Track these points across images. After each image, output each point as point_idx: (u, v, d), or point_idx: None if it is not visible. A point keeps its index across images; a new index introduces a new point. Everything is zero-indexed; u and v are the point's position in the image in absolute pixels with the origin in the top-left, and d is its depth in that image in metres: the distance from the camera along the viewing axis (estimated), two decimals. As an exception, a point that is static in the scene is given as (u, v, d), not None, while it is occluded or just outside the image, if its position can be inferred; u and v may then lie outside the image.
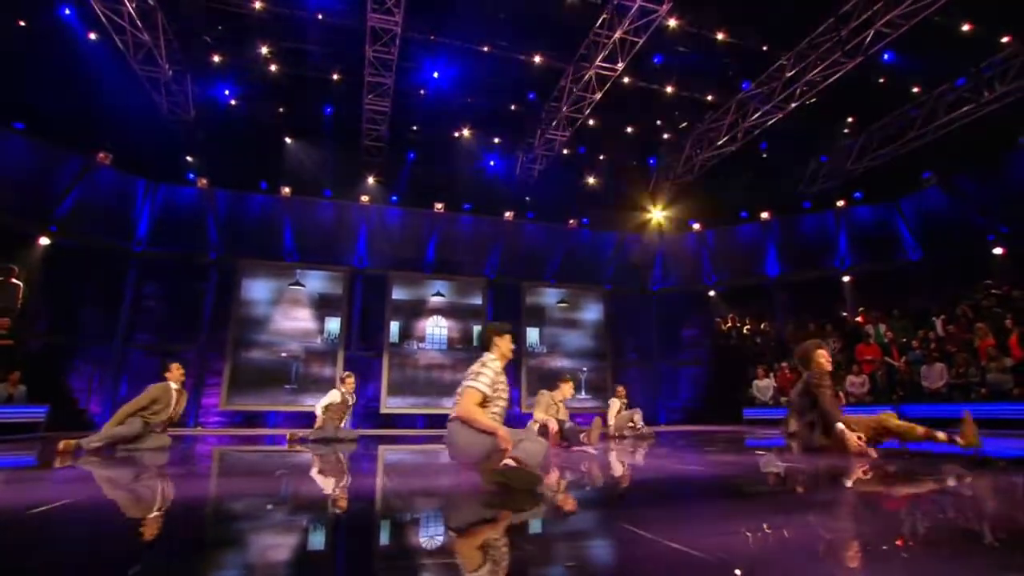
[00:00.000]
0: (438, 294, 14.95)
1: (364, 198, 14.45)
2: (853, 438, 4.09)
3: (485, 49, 11.79)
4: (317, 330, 13.90)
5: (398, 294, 14.71)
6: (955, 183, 13.03)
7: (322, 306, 14.09)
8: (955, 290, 12.19)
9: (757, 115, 12.50)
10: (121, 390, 12.37)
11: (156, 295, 13.25)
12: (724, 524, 2.16)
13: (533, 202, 15.81)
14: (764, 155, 15.03)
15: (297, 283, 13.97)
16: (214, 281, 13.53)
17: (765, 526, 2.02)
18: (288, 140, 14.26)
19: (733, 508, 2.63)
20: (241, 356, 13.17)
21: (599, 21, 10.61)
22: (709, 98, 13.41)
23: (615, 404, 8.53)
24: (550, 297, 16.00)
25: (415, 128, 14.56)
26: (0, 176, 10.75)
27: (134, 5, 9.78)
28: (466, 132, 14.67)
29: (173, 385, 5.63)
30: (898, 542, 1.79)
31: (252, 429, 12.17)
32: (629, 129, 14.83)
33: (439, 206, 14.78)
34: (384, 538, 2.06)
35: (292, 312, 13.84)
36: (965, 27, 10.66)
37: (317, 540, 2.03)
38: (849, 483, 3.28)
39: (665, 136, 15.32)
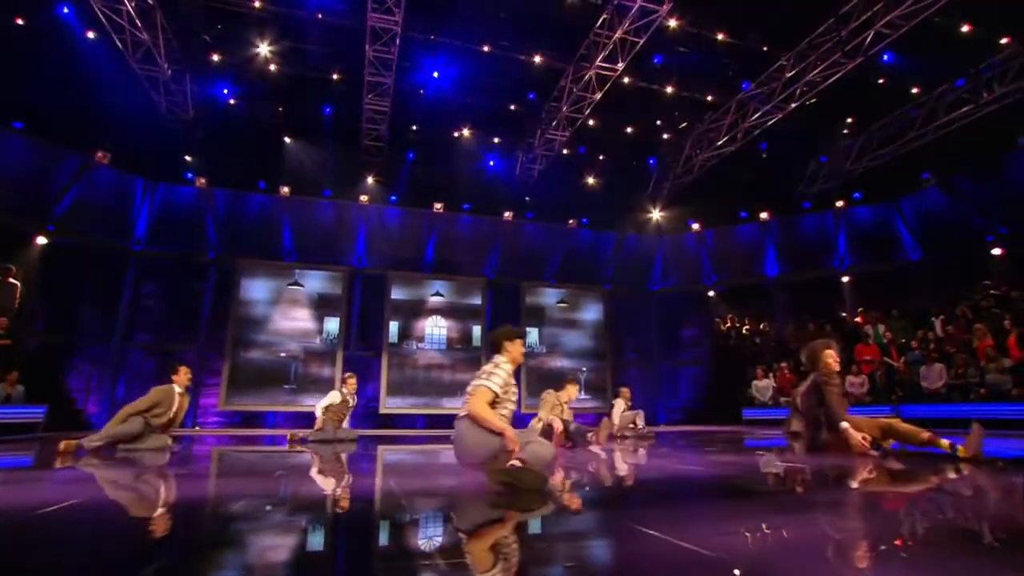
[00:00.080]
0: (437, 294, 14.93)
1: (363, 198, 14.42)
2: (857, 437, 4.09)
3: (485, 49, 11.78)
4: (316, 330, 13.87)
5: (397, 294, 14.69)
6: (954, 184, 13.06)
7: (321, 306, 14.06)
8: (954, 291, 12.21)
9: (757, 115, 12.51)
10: (119, 390, 12.34)
11: (155, 295, 13.22)
12: (731, 524, 2.16)
13: (533, 202, 15.79)
14: (764, 155, 15.04)
15: (296, 283, 13.94)
16: (213, 281, 13.50)
17: (769, 525, 2.02)
18: (287, 140, 14.22)
19: (739, 508, 2.62)
20: (240, 356, 13.14)
21: (599, 21, 10.60)
22: (709, 98, 13.41)
23: (620, 404, 8.61)
24: (550, 297, 15.99)
25: (415, 128, 14.54)
26: (-2, 175, 10.73)
27: (133, 4, 9.76)
28: (466, 132, 14.65)
29: (177, 389, 5.61)
30: (898, 542, 1.79)
31: (251, 429, 12.14)
32: (629, 129, 14.83)
33: (438, 206, 14.77)
34: (398, 538, 2.05)
35: (291, 312, 13.81)
36: (965, 28, 10.68)
37: (330, 541, 2.02)
38: (850, 483, 3.28)
39: (665, 136, 15.31)
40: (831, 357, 4.54)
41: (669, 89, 13.06)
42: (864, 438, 4.09)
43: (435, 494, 3.15)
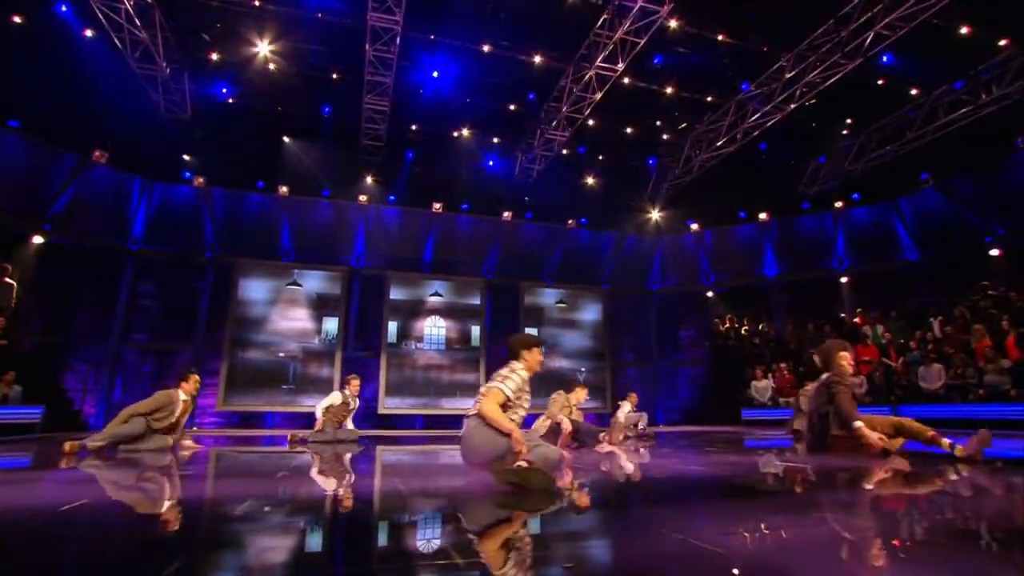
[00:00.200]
0: (436, 294, 14.90)
1: (362, 198, 14.39)
2: (873, 436, 4.11)
3: (485, 49, 11.75)
4: (315, 330, 13.83)
5: (396, 294, 14.66)
6: (953, 185, 13.10)
7: (320, 306, 14.03)
8: (953, 291, 12.25)
9: (756, 116, 12.53)
10: (116, 390, 12.29)
11: (152, 294, 13.16)
12: (740, 523, 2.16)
13: (532, 202, 15.78)
14: (763, 156, 15.06)
15: (294, 283, 13.90)
16: (210, 280, 13.45)
17: (778, 525, 2.02)
18: (286, 139, 14.17)
19: (747, 507, 2.61)
20: (238, 356, 13.09)
21: (600, 21, 10.60)
22: (709, 99, 13.42)
23: (626, 406, 8.74)
24: (548, 297, 15.99)
25: (414, 127, 14.50)
26: (-6, 174, 10.66)
27: (132, 2, 9.70)
28: (465, 132, 14.63)
29: (182, 395, 5.58)
30: (896, 542, 1.78)
31: (249, 430, 12.08)
32: (628, 129, 14.82)
33: (437, 206, 14.74)
34: (410, 538, 2.03)
35: (289, 312, 13.77)
36: (964, 30, 10.71)
37: (341, 540, 2.01)
38: (854, 483, 3.28)
39: (664, 136, 15.32)
40: (845, 359, 4.56)
41: (669, 89, 13.06)
42: (880, 437, 4.11)
43: (443, 495, 3.14)
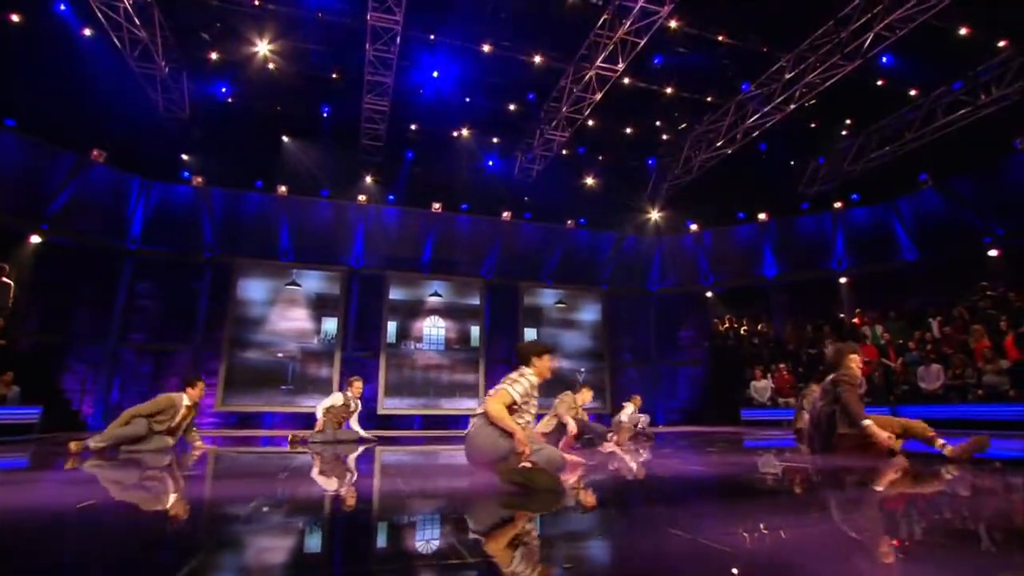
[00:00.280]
0: (435, 294, 14.88)
1: (361, 197, 14.36)
2: (882, 434, 4.15)
3: (485, 49, 11.73)
4: (314, 330, 13.80)
5: (395, 294, 14.63)
6: (952, 185, 13.13)
7: (319, 306, 13.99)
8: (951, 292, 12.27)
9: (756, 116, 12.54)
10: (114, 390, 12.25)
11: (150, 294, 13.11)
12: (743, 522, 2.16)
13: (531, 202, 15.77)
14: (763, 156, 15.08)
15: (293, 283, 13.87)
16: (209, 280, 13.41)
17: (780, 524, 2.02)
18: (285, 139, 14.14)
19: (751, 507, 2.61)
20: (237, 356, 13.05)
21: (600, 21, 10.59)
22: (709, 99, 13.43)
23: (629, 407, 8.81)
24: (548, 298, 15.98)
25: (414, 127, 14.49)
26: (-8, 173, 10.62)
27: (131, 1, 9.67)
28: (465, 132, 14.62)
29: (186, 401, 5.57)
30: (895, 541, 1.78)
31: (248, 430, 12.04)
32: (628, 129, 14.83)
33: (437, 206, 14.73)
34: (420, 538, 2.02)
35: (288, 312, 13.74)
36: (963, 31, 10.74)
37: (350, 540, 2.00)
38: (860, 482, 3.29)
39: (664, 137, 15.32)
40: (855, 361, 4.64)
41: (669, 90, 13.07)
42: (889, 436, 4.15)
43: (450, 496, 3.14)
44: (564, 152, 14.75)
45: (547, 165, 14.81)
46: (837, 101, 12.65)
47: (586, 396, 6.65)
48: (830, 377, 4.62)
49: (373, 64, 11.14)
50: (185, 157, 13.34)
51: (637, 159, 16.30)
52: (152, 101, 12.03)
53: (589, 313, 16.24)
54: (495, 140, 15.11)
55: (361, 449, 6.34)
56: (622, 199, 16.08)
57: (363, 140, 13.65)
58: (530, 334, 15.40)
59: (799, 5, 10.60)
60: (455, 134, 14.65)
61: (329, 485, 3.65)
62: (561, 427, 6.01)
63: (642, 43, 10.51)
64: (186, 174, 13.30)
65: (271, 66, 12.08)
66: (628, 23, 10.11)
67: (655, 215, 16.39)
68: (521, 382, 3.34)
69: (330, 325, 13.91)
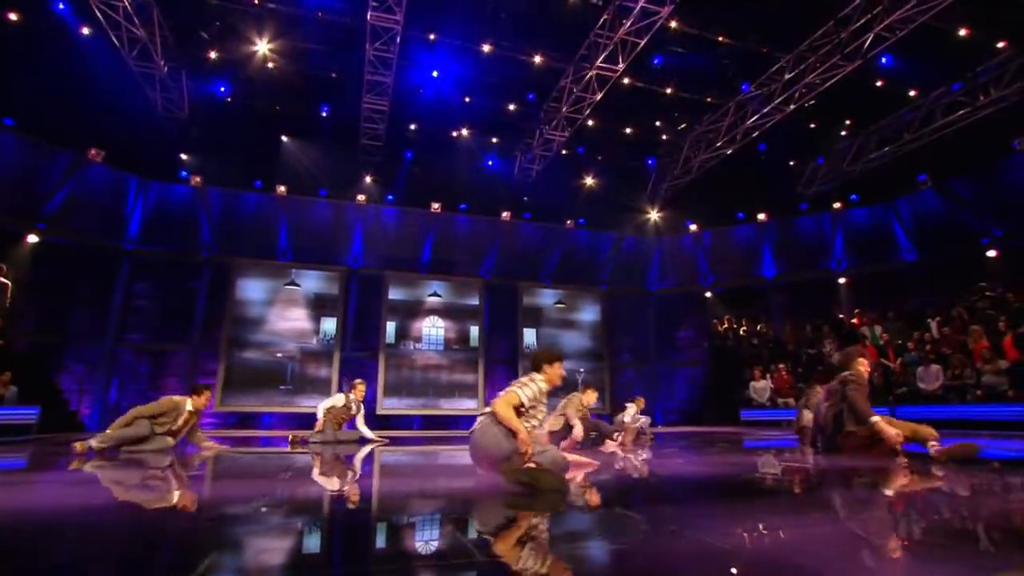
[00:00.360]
0: (435, 294, 14.85)
1: (360, 197, 14.33)
2: (891, 431, 4.21)
3: (485, 49, 11.73)
4: (312, 330, 13.76)
5: (394, 294, 14.60)
6: (951, 186, 13.16)
7: (317, 306, 13.95)
8: (950, 292, 12.29)
9: (756, 117, 12.55)
10: (111, 390, 12.20)
11: (148, 294, 13.06)
12: (741, 522, 2.16)
13: (531, 202, 15.77)
14: (762, 156, 15.10)
15: (292, 283, 13.83)
16: (207, 280, 13.36)
17: (778, 524, 2.01)
18: (284, 138, 14.10)
19: (762, 507, 2.60)
20: (235, 356, 13.00)
21: (600, 22, 10.59)
22: (708, 99, 13.44)
23: (632, 408, 8.84)
24: (547, 298, 15.96)
25: (413, 127, 14.48)
26: (-11, 172, 10.56)
27: (130, 0, 9.62)
28: (464, 132, 14.60)
29: (189, 406, 5.56)
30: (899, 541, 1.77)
31: (246, 431, 12.00)
32: (628, 130, 14.84)
33: (436, 206, 14.71)
34: (427, 538, 2.01)
35: (287, 312, 13.70)
36: (962, 32, 10.77)
37: (357, 538, 1.99)
38: (861, 481, 3.29)
39: (664, 137, 15.33)
40: (863, 364, 4.73)
41: (668, 90, 13.08)
42: (897, 433, 4.21)
43: (456, 496, 3.13)
44: (564, 152, 14.75)
45: (547, 165, 14.81)
46: (837, 101, 12.69)
47: (591, 397, 6.65)
48: (838, 377, 4.66)
49: (373, 64, 11.11)
50: (184, 156, 13.30)
51: (637, 159, 16.31)
52: (151, 100, 11.98)
53: (588, 313, 16.23)
54: (494, 140, 15.11)
55: (363, 450, 6.32)
56: (622, 199, 16.08)
57: (362, 140, 13.62)
58: (529, 334, 15.39)
59: (799, 6, 10.62)
60: (455, 134, 14.64)
61: (333, 485, 3.64)
62: (568, 427, 5.99)
63: (642, 43, 10.51)
64: (184, 173, 13.25)
65: (270, 65, 12.05)
66: (628, 23, 10.10)
67: (654, 215, 16.39)
68: (531, 386, 3.39)
69: (329, 325, 13.88)
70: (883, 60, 11.71)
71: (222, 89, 12.89)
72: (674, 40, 11.61)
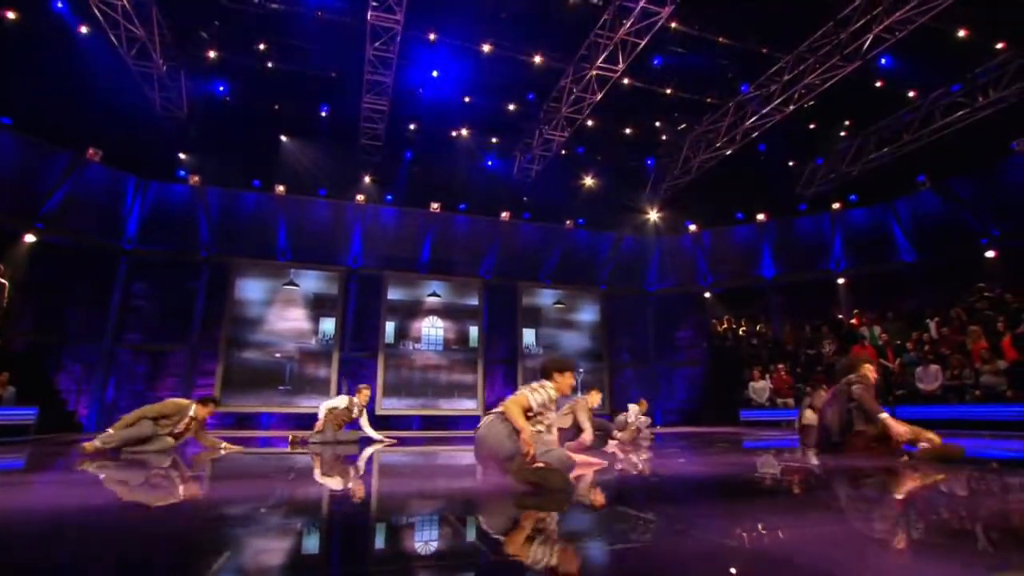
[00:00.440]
0: (434, 294, 14.84)
1: (360, 197, 14.30)
2: (899, 427, 4.24)
3: (485, 49, 11.71)
4: (311, 330, 13.73)
5: (393, 294, 14.58)
6: (949, 187, 13.18)
7: (316, 306, 13.92)
8: (949, 293, 12.31)
9: (755, 117, 12.56)
10: (109, 390, 12.15)
11: (146, 294, 13.02)
12: (741, 521, 2.15)
13: (530, 202, 15.75)
14: (761, 157, 15.12)
15: (291, 283, 13.80)
16: (206, 280, 13.31)
17: (775, 523, 2.01)
18: (284, 138, 14.06)
19: (759, 506, 2.60)
20: (234, 356, 12.97)
21: (600, 22, 10.58)
22: (708, 100, 13.45)
23: (635, 409, 8.87)
24: (546, 298, 15.95)
25: (413, 127, 14.45)
26: (-15, 171, 10.51)
27: (129, -2, 9.60)
28: (464, 132, 14.59)
29: (191, 412, 5.56)
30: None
31: (245, 431, 11.97)
32: (627, 130, 14.84)
33: (435, 206, 14.68)
34: (436, 536, 2.00)
35: (286, 312, 13.66)
36: (961, 33, 10.80)
37: (363, 536, 1.98)
38: (868, 481, 3.30)
39: (663, 137, 15.34)
40: (870, 371, 4.78)
41: (668, 90, 13.08)
42: (905, 431, 4.25)
43: (466, 496, 3.14)
44: (563, 152, 14.74)
45: (546, 165, 14.80)
46: (836, 102, 12.70)
47: (595, 399, 6.68)
48: (845, 379, 4.68)
49: (373, 63, 11.09)
50: (182, 156, 13.25)
51: (636, 159, 16.31)
52: (149, 100, 11.93)
53: (588, 313, 16.23)
54: (494, 140, 15.09)
55: (364, 450, 6.31)
56: (621, 199, 16.07)
57: (362, 140, 13.60)
58: (528, 334, 15.39)
59: (799, 6, 10.63)
60: (454, 134, 14.62)
61: (338, 485, 3.65)
62: (576, 427, 5.99)
63: (642, 44, 10.50)
64: (183, 173, 13.21)
65: (270, 65, 12.01)
66: (628, 23, 10.10)
67: (654, 215, 16.39)
68: (541, 392, 3.48)
69: (328, 325, 13.85)
70: (882, 61, 11.73)
71: (221, 88, 12.85)
72: (674, 40, 11.61)
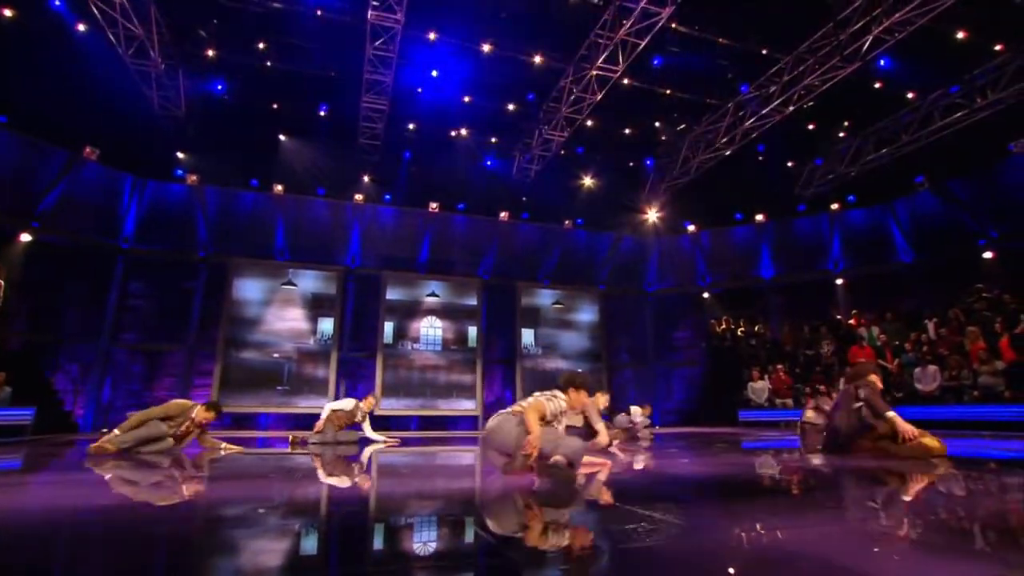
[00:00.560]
0: (432, 294, 14.81)
1: (358, 197, 14.26)
2: (906, 427, 4.33)
3: (485, 49, 11.70)
4: (310, 330, 13.68)
5: (392, 294, 14.54)
6: (948, 187, 13.22)
7: (315, 306, 13.88)
8: (947, 293, 12.33)
9: (754, 118, 12.57)
10: (105, 389, 12.08)
11: (143, 293, 12.95)
12: (741, 521, 2.13)
13: (529, 202, 15.74)
14: (760, 157, 15.14)
15: (289, 282, 13.75)
16: (203, 280, 13.26)
17: (773, 524, 2.00)
18: (282, 137, 14.02)
19: (762, 507, 2.59)
20: (232, 356, 12.91)
21: (600, 22, 10.58)
22: (707, 100, 13.46)
23: (636, 410, 8.91)
24: (545, 298, 15.94)
25: (412, 127, 14.43)
26: (-18, 170, 10.45)
27: (127, -4, 9.56)
28: (463, 132, 14.57)
29: (193, 414, 5.53)
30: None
31: (243, 431, 11.91)
32: (627, 130, 14.85)
33: (434, 206, 14.66)
34: (437, 534, 1.98)
35: (284, 312, 13.61)
36: (960, 35, 10.83)
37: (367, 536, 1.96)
38: (857, 481, 3.29)
39: (663, 137, 15.35)
40: (877, 380, 4.86)
41: (668, 91, 13.10)
42: (912, 430, 4.34)
43: (465, 496, 3.13)
44: (563, 152, 14.74)
45: (545, 165, 14.79)
46: (835, 103, 12.74)
47: (603, 400, 6.69)
48: (853, 383, 4.72)
49: (372, 63, 11.07)
50: (180, 155, 13.21)
51: (635, 159, 16.32)
52: (147, 98, 11.89)
53: (586, 313, 16.22)
54: (493, 140, 15.08)
55: (365, 451, 6.29)
56: (620, 199, 16.07)
57: (361, 139, 13.57)
58: (527, 335, 15.37)
59: (799, 7, 10.65)
60: (453, 134, 14.61)
61: (344, 485, 3.64)
62: (587, 426, 5.98)
63: (642, 44, 10.51)
64: (180, 172, 13.15)
65: (269, 64, 11.97)
66: (629, 24, 10.10)
67: (653, 215, 16.38)
68: (555, 402, 3.64)
69: (326, 325, 13.80)
70: (882, 62, 11.76)
71: (219, 87, 12.81)
72: (674, 41, 11.62)
